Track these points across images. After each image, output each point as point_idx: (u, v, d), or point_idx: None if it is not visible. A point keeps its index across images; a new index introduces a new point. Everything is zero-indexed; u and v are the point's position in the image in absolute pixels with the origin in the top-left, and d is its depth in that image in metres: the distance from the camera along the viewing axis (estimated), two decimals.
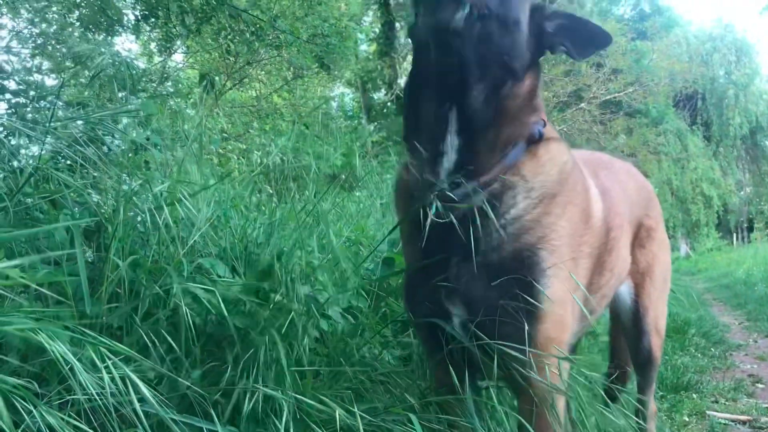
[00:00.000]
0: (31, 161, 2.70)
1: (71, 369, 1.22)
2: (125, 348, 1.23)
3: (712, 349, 5.94)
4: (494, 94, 1.65)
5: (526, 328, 1.65)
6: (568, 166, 1.82)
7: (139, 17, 8.55)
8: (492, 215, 1.66)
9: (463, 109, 1.65)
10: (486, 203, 1.67)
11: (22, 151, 3.09)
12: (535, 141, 1.76)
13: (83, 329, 1.22)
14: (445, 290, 1.74)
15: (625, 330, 2.73)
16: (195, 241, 2.55)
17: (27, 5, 9.80)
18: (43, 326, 1.00)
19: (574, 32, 1.76)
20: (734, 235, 35.07)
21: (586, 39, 1.78)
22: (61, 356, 1.00)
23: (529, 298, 1.65)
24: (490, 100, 1.65)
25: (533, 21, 1.71)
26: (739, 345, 6.29)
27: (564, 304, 1.75)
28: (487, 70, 1.63)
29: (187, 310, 2.20)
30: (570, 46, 1.77)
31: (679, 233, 30.96)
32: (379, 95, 25.26)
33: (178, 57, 13.23)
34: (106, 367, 1.37)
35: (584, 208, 1.89)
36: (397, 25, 22.47)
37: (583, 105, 19.67)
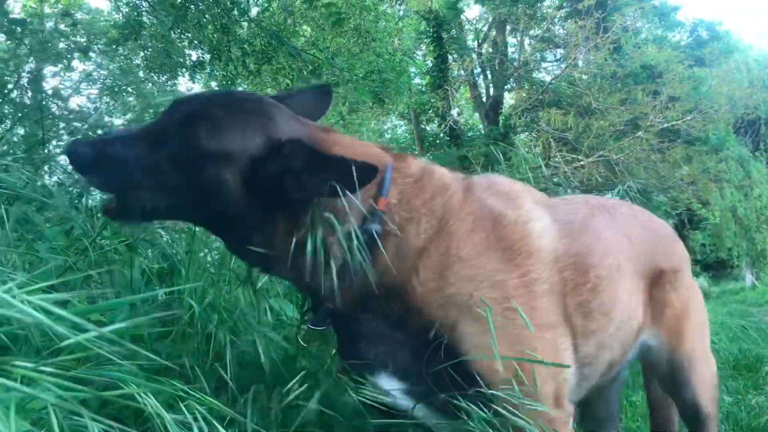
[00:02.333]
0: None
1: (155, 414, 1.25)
2: (208, 397, 1.26)
3: None
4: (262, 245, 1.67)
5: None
6: (413, 252, 1.70)
7: (197, 63, 8.84)
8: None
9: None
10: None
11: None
12: (379, 238, 1.66)
13: (176, 382, 1.25)
14: (365, 369, 1.77)
15: (667, 387, 2.51)
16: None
17: (96, 47, 10.23)
18: (141, 384, 1.04)
19: (324, 169, 1.57)
20: None
21: (342, 178, 1.55)
22: (155, 411, 1.04)
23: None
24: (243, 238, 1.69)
25: (262, 165, 1.60)
26: None
27: (521, 361, 1.64)
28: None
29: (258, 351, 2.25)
30: (321, 188, 1.57)
31: (743, 262, 29.91)
32: (432, 127, 25.39)
33: None
34: (187, 406, 1.41)
35: (509, 247, 1.76)
36: (450, 57, 22.64)
37: (640, 133, 19.30)
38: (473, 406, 1.60)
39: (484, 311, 1.62)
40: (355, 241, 1.65)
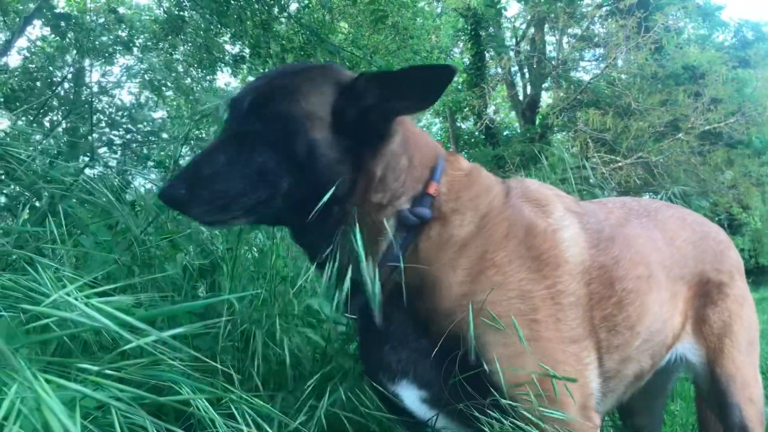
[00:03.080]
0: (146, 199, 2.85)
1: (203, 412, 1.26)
2: (255, 398, 1.27)
3: None
4: (325, 209, 1.59)
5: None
6: (455, 245, 1.68)
7: (238, 57, 8.94)
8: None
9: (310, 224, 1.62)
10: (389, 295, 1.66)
11: (136, 183, 3.27)
12: (425, 221, 1.65)
13: (225, 382, 1.26)
14: (386, 376, 1.73)
15: (711, 407, 2.39)
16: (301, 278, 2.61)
17: (138, 43, 10.40)
18: (191, 385, 1.05)
19: (401, 88, 1.58)
20: None
21: (420, 87, 1.57)
22: (203, 410, 1.05)
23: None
24: (324, 214, 1.60)
25: (343, 113, 1.61)
26: None
27: (546, 376, 1.61)
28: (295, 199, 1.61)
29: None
30: (405, 104, 1.60)
31: None
32: (468, 125, 25.29)
33: None
34: (232, 400, 1.43)
35: (538, 256, 1.73)
36: (487, 55, 22.51)
37: (680, 136, 18.95)
38: (500, 417, 1.57)
39: (510, 321, 1.60)
40: (405, 221, 1.64)
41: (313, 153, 1.58)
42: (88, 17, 9.22)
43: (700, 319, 2.25)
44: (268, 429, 1.20)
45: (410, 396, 1.71)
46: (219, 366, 1.49)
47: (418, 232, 1.66)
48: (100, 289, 0.87)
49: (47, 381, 0.77)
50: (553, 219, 1.84)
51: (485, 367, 1.58)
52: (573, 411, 1.65)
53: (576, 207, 2.00)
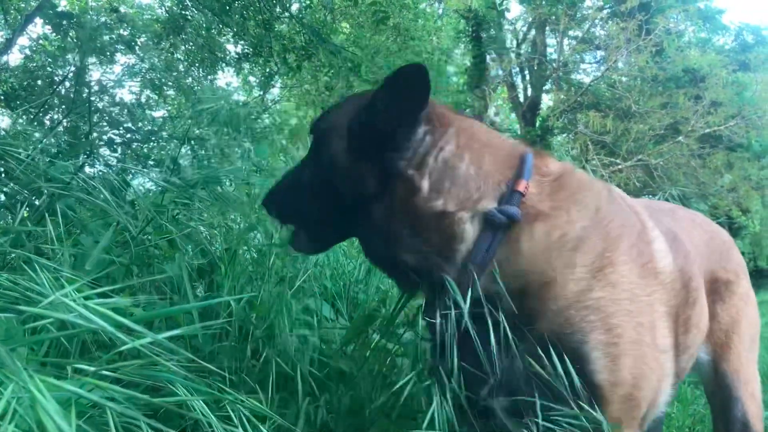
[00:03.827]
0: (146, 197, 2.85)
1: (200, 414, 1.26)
2: (251, 399, 1.28)
3: None
4: (364, 219, 1.69)
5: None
6: (570, 242, 1.61)
7: (242, 55, 8.95)
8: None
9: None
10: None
11: (136, 183, 3.27)
12: (512, 222, 1.59)
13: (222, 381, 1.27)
14: (484, 384, 1.62)
15: (713, 402, 2.38)
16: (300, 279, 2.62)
17: (139, 42, 10.41)
18: (188, 386, 1.06)
19: (395, 91, 1.61)
20: None
21: (410, 96, 1.61)
22: (200, 411, 1.06)
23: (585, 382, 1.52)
24: (372, 224, 1.68)
25: (356, 123, 1.68)
26: None
27: (638, 381, 1.58)
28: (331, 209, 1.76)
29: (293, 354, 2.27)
30: (405, 105, 1.62)
31: None
32: None
33: (275, 90, 13.74)
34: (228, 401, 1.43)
35: (644, 264, 1.70)
36: (488, 57, 22.50)
37: (680, 138, 18.98)
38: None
39: (620, 321, 1.57)
40: (492, 221, 1.59)
41: (332, 163, 1.70)
42: (89, 16, 9.23)
43: (710, 316, 2.25)
44: (263, 430, 1.20)
45: (498, 405, 1.63)
46: (214, 368, 1.48)
47: (511, 232, 1.60)
48: (99, 290, 0.88)
49: (43, 381, 0.78)
50: (648, 228, 1.83)
51: (587, 365, 1.53)
52: (640, 421, 1.65)
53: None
